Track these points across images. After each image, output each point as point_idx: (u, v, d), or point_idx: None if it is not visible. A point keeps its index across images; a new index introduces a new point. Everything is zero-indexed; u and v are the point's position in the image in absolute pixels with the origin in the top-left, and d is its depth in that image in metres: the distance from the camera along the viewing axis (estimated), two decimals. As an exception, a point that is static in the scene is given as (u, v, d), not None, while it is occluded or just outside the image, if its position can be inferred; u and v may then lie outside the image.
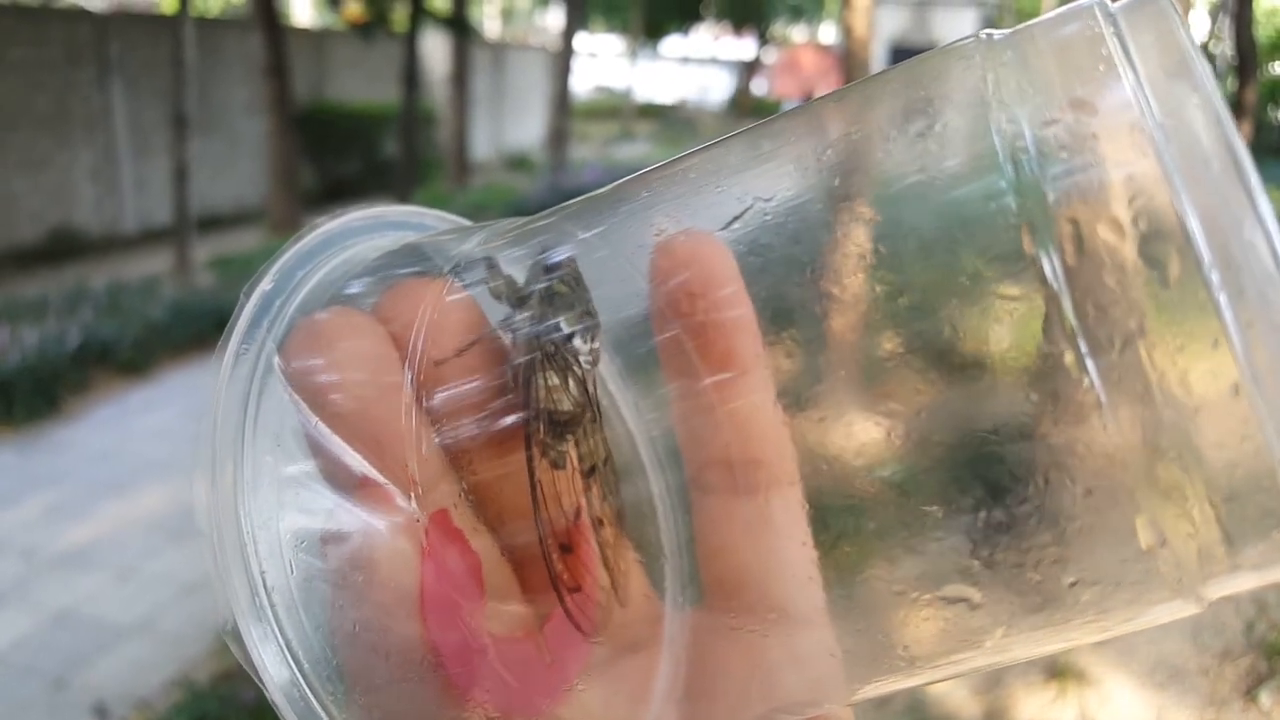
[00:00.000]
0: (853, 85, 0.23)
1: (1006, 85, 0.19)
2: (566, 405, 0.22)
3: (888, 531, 0.20)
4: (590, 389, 0.23)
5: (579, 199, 0.24)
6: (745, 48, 20.81)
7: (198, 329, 4.85)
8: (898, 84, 0.22)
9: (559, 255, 0.23)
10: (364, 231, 0.26)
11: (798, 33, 21.88)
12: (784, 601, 0.21)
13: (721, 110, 20.25)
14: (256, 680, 0.21)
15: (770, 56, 21.72)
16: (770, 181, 0.22)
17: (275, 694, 0.21)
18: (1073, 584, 0.19)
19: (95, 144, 7.02)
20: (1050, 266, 0.17)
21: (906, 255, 0.20)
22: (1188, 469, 0.17)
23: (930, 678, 0.21)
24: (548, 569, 0.22)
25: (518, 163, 11.95)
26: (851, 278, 0.20)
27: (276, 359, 0.22)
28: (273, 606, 0.21)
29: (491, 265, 0.23)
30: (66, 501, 3.38)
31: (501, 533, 0.23)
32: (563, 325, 0.22)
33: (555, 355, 0.22)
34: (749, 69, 20.16)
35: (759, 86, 21.32)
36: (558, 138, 9.91)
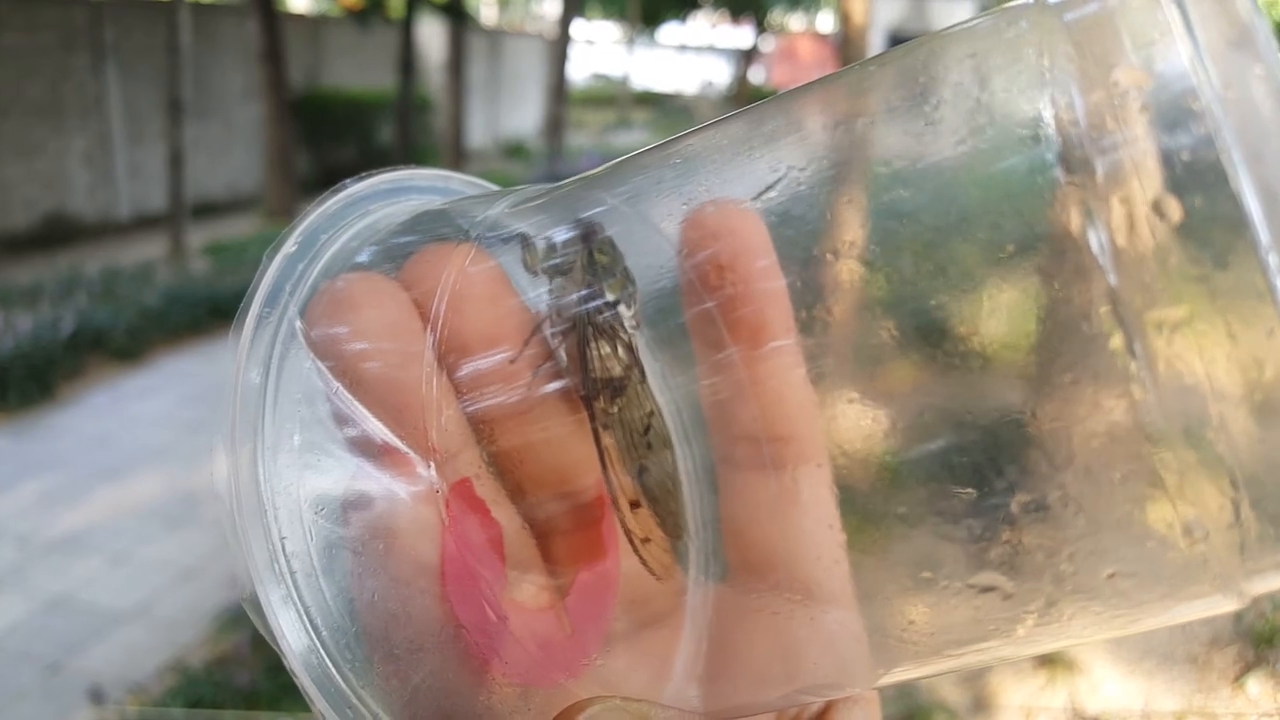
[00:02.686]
0: (894, 51, 0.21)
1: (1057, 53, 0.17)
2: (617, 370, 0.22)
3: (917, 516, 0.19)
4: (635, 352, 0.23)
5: (607, 165, 0.24)
6: (743, 36, 20.73)
7: (192, 315, 4.84)
8: (941, 50, 0.20)
9: (592, 222, 0.22)
10: (390, 195, 0.25)
11: (795, 21, 21.78)
12: (810, 580, 0.21)
13: (719, 98, 20.17)
14: (274, 647, 0.21)
15: (768, 45, 21.65)
16: (804, 150, 0.21)
17: (293, 661, 0.21)
18: (1110, 576, 0.18)
19: (89, 130, 6.98)
20: (1098, 245, 0.16)
21: (945, 230, 0.19)
22: (1233, 463, 0.16)
23: (957, 665, 0.21)
24: (621, 524, 0.22)
25: (514, 150, 11.89)
26: (886, 252, 0.20)
27: (299, 324, 0.22)
28: (292, 573, 0.21)
29: (525, 239, 0.23)
30: (61, 487, 3.37)
31: (525, 504, 0.23)
32: (607, 293, 0.22)
33: (603, 324, 0.22)
34: (747, 57, 20.07)
35: (756, 75, 21.25)
36: (554, 125, 9.88)
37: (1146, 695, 2.29)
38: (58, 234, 6.58)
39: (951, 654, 0.20)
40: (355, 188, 0.25)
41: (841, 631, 0.21)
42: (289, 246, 0.23)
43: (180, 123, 6.01)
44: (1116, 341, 0.16)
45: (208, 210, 7.39)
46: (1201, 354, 0.16)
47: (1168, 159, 0.16)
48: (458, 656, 0.21)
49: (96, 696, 2.29)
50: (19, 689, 2.40)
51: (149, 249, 6.33)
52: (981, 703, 2.28)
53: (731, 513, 0.22)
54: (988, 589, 0.19)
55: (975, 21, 0.20)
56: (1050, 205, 0.17)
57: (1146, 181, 0.16)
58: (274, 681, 2.34)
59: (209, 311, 4.87)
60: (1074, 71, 0.17)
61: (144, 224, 7.13)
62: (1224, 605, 0.17)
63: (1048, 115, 0.17)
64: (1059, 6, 0.18)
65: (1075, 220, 0.17)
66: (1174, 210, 0.16)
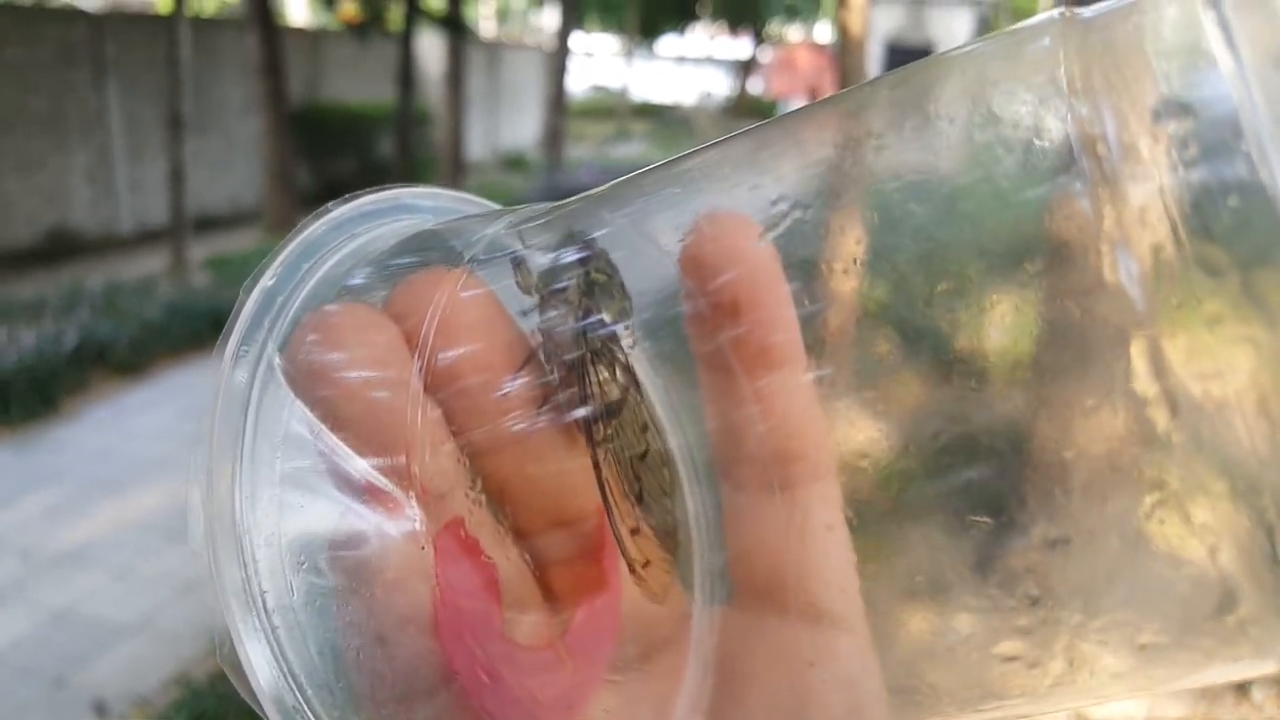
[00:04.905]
0: (910, 69, 0.20)
1: (1088, 74, 0.16)
2: (615, 394, 0.21)
3: (929, 542, 0.19)
4: (633, 372, 0.22)
5: (609, 184, 0.23)
6: (741, 47, 20.80)
7: (194, 329, 4.85)
8: (959, 70, 0.19)
9: (590, 243, 0.21)
10: (376, 216, 0.24)
11: (793, 32, 21.85)
12: (821, 601, 0.20)
13: (718, 109, 20.22)
14: (254, 707, 0.19)
15: (766, 56, 21.71)
16: (815, 171, 0.20)
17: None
18: (1143, 646, 0.17)
19: (91, 145, 6.99)
20: (1131, 281, 0.15)
21: (961, 252, 0.18)
22: (1274, 521, 0.15)
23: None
24: (622, 552, 0.21)
25: (513, 162, 11.92)
26: (900, 279, 0.19)
27: (279, 360, 0.21)
28: (273, 629, 0.20)
29: (520, 262, 0.22)
30: (64, 501, 3.37)
31: (523, 537, 0.22)
32: (605, 315, 0.21)
33: (601, 349, 0.21)
34: (745, 68, 20.13)
35: (755, 86, 21.30)
36: (553, 137, 9.91)
37: (1150, 702, 2.29)
38: (60, 248, 6.59)
39: (971, 711, 0.20)
40: (339, 211, 0.23)
41: (854, 662, 0.20)
42: (267, 279, 0.21)
43: (181, 137, 6.03)
44: (1153, 389, 0.15)
45: (209, 224, 7.41)
46: (1240, 405, 0.15)
47: (1209, 193, 0.15)
48: (453, 705, 0.20)
49: (101, 710, 2.29)
50: (24, 703, 2.40)
51: (151, 263, 6.35)
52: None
53: (738, 533, 0.21)
54: (1010, 659, 0.18)
55: (995, 37, 0.19)
56: (1080, 232, 0.16)
57: (1186, 216, 0.15)
58: (278, 694, 2.33)
59: (210, 325, 4.88)
60: (1104, 92, 0.16)
61: (146, 238, 7.15)
62: (1264, 668, 0.16)
63: (1075, 138, 0.16)
64: (1086, 21, 0.17)
65: (1107, 255, 0.15)
66: (1215, 248, 0.15)
